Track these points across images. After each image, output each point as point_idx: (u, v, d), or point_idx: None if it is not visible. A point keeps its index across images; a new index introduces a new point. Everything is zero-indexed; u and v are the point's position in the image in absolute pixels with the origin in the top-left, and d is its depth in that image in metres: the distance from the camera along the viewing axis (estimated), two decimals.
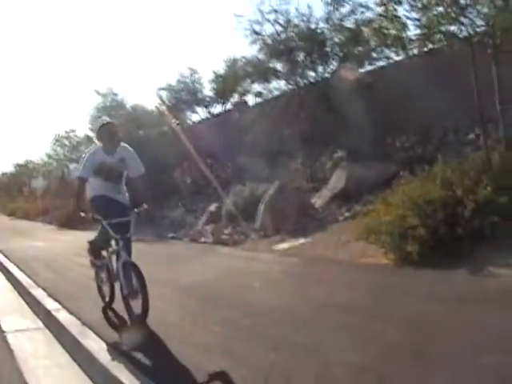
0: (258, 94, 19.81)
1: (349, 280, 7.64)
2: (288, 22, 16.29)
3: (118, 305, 7.06)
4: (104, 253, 7.42)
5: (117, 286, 7.05)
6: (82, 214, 6.82)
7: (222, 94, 24.38)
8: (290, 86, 17.29)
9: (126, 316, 6.77)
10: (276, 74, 17.34)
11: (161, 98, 26.43)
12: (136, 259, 6.67)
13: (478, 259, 6.98)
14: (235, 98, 23.88)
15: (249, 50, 26.39)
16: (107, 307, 7.48)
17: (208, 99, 25.63)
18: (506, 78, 9.42)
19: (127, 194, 7.42)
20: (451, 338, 4.83)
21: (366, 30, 11.72)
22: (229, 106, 24.62)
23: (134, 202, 7.27)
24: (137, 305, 6.41)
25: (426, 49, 10.73)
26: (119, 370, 5.13)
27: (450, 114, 13.30)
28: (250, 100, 22.81)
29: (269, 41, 16.65)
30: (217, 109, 25.60)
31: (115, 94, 29.19)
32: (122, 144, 7.17)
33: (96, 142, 7.26)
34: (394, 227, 7.95)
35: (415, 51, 10.91)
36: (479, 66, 9.86)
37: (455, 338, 4.81)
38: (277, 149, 17.90)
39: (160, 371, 5.08)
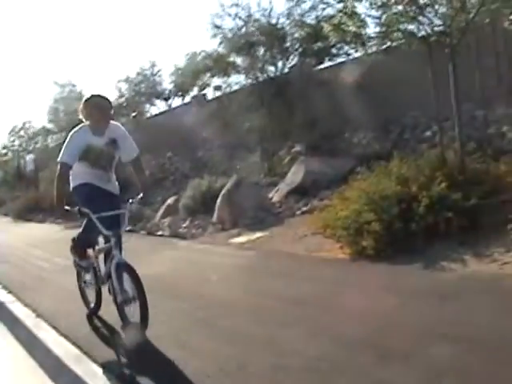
0: (218, 88, 19.83)
1: (305, 273, 7.68)
2: (249, 16, 16.32)
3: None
4: (90, 251, 6.37)
5: (104, 289, 6.24)
6: (67, 208, 5.59)
7: (181, 88, 24.32)
8: (249, 81, 17.32)
9: (116, 325, 5.95)
10: (236, 69, 17.34)
11: (120, 90, 26.29)
12: None
13: (432, 254, 7.10)
14: (194, 91, 23.84)
15: (210, 44, 26.47)
16: (92, 315, 6.58)
17: (167, 92, 25.56)
18: (462, 78, 9.56)
19: (117, 183, 6.38)
20: (402, 329, 4.92)
21: (325, 26, 11.76)
22: (188, 99, 24.58)
23: (129, 189, 6.75)
24: (132, 311, 5.53)
25: (384, 46, 10.81)
26: (74, 362, 5.12)
27: (408, 112, 13.47)
28: (210, 94, 22.82)
29: (229, 35, 16.65)
30: (176, 102, 25.55)
31: (73, 85, 28.97)
32: (112, 122, 6.07)
33: (82, 118, 5.97)
34: (350, 222, 8.04)
35: (374, 48, 11.01)
36: (436, 65, 9.99)
37: (406, 329, 4.91)
38: (235, 143, 17.91)
39: (114, 362, 5.08)
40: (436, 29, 9.45)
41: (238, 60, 17.20)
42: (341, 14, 10.19)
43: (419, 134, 12.89)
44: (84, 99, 5.98)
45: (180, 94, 24.87)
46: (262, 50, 16.50)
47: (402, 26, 9.63)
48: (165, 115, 25.06)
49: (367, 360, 4.37)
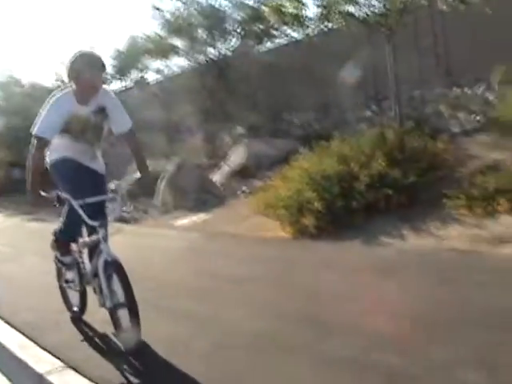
0: (158, 71, 19.66)
1: (248, 253, 7.74)
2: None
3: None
4: (73, 245, 5.35)
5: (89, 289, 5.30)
6: (43, 194, 4.60)
7: (121, 71, 24.06)
8: (189, 63, 17.23)
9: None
10: (176, 51, 17.22)
11: (57, 74, 25.82)
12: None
13: (373, 230, 7.25)
14: (135, 74, 23.61)
15: (151, 27, 26.20)
16: (77, 319, 5.60)
17: (107, 76, 25.24)
18: (401, 58, 9.75)
19: (103, 160, 5.39)
20: (342, 304, 5.03)
21: (265, 8, 11.77)
22: (129, 82, 24.33)
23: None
24: (123, 316, 4.66)
25: (324, 28, 10.90)
26: (18, 348, 5.06)
27: (348, 92, 13.61)
28: (151, 77, 22.62)
29: (169, 17, 16.53)
30: (116, 86, 25.25)
31: (11, 71, 28.42)
32: (102, 87, 5.03)
33: (66, 80, 4.93)
34: (292, 201, 8.12)
35: (314, 30, 11.10)
36: (375, 46, 10.16)
37: (346, 304, 5.02)
38: (177, 126, 17.84)
39: (65, 347, 5.02)
40: (374, 10, 9.58)
41: (178, 42, 17.09)
42: None
43: (359, 114, 13.05)
44: (72, 57, 4.76)
45: (120, 77, 24.58)
46: (202, 32, 16.41)
47: (341, 8, 9.72)
48: None
49: (309, 335, 4.44)
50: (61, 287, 5.81)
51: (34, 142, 4.69)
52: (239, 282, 6.23)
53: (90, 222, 4.65)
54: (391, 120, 9.83)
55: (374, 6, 9.57)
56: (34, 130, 4.69)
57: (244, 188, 11.94)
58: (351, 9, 9.79)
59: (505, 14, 9.64)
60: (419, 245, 6.51)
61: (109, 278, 4.65)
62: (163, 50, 17.33)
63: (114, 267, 4.60)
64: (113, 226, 11.53)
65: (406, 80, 10.62)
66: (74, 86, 4.79)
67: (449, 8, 9.29)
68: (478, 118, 10.19)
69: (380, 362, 3.77)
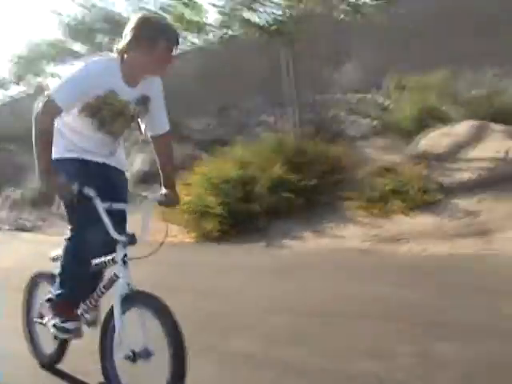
0: (56, 76, 19.31)
1: (151, 258, 7.70)
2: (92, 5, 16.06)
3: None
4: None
5: None
6: (61, 182, 3.14)
7: (19, 77, 23.51)
8: None
9: None
10: (76, 56, 16.98)
11: None
12: None
13: (274, 233, 7.41)
14: (33, 79, 23.11)
15: (52, 32, 25.73)
16: (49, 367, 4.00)
17: (4, 81, 24.62)
18: (301, 65, 9.95)
19: (123, 155, 3.94)
20: (243, 304, 5.13)
21: (167, 16, 11.76)
22: (26, 88, 23.78)
23: None
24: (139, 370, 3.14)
25: (226, 35, 11.00)
26: None
27: (250, 98, 13.74)
28: (51, 82, 22.19)
29: (70, 21, 16.29)
30: (14, 91, 24.65)
31: None
32: None
33: (127, 47, 3.26)
34: (194, 206, 8.17)
35: (216, 37, 11.18)
36: (276, 53, 10.33)
37: (246, 303, 5.13)
38: None
39: None
40: (274, 18, 9.75)
41: (78, 47, 16.85)
42: (182, 4, 10.29)
43: (261, 120, 13.19)
44: (145, 19, 3.34)
45: (16, 82, 23.98)
46: (103, 37, 16.24)
47: (241, 15, 9.86)
48: (5, 106, 24.13)
49: (212, 335, 4.48)
50: (27, 323, 4.20)
51: (43, 105, 3.20)
52: (143, 287, 6.20)
53: (117, 236, 3.23)
54: (292, 125, 10.00)
55: (273, 13, 9.74)
56: (51, 92, 3.25)
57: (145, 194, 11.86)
58: (251, 16, 9.94)
59: (400, 23, 9.99)
60: (318, 246, 6.69)
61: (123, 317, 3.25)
62: (62, 55, 17.05)
63: (141, 301, 3.28)
64: (9, 235, 11.30)
65: (307, 86, 10.85)
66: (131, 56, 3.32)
67: (346, 17, 9.54)
68: (375, 122, 10.51)
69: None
